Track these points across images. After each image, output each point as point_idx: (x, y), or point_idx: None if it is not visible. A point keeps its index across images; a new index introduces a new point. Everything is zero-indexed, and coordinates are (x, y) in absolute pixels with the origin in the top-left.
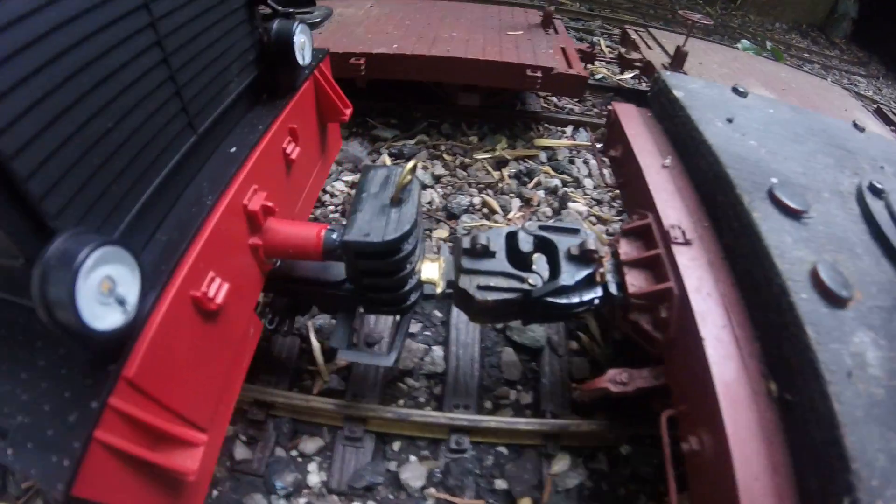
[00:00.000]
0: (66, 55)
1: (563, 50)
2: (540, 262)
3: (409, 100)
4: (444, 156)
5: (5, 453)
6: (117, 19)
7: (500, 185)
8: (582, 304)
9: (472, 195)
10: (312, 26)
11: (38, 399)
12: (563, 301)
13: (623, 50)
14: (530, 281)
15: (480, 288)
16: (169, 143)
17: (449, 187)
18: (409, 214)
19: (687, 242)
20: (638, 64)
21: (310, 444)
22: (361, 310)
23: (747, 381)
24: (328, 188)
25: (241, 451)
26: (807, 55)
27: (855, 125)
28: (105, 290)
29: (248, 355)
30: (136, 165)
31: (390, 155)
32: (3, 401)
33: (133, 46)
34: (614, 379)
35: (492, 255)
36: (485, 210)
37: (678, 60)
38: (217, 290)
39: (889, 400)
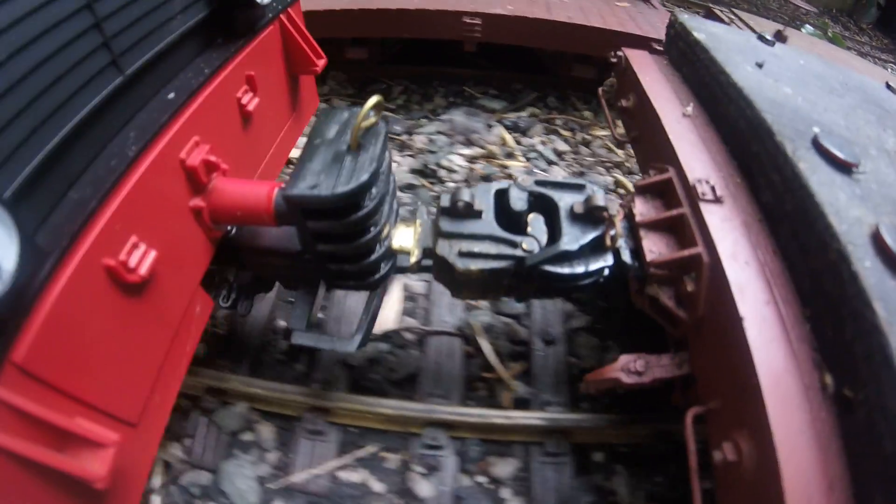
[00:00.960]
0: None
1: None
2: (537, 223)
3: (511, 68)
4: (561, 131)
5: None
6: None
7: (626, 164)
8: (588, 274)
9: (601, 174)
10: None
11: None
12: (566, 271)
13: None
14: (524, 245)
15: (462, 255)
16: (84, 83)
17: (575, 165)
18: (368, 162)
19: (717, 200)
20: None
21: (503, 467)
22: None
23: (797, 372)
24: (444, 163)
25: (422, 487)
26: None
27: (888, 86)
28: None
29: (195, 335)
30: (37, 109)
31: (506, 128)
32: None
33: None
34: (627, 367)
35: (477, 215)
36: (620, 191)
37: None
38: (141, 258)
39: None
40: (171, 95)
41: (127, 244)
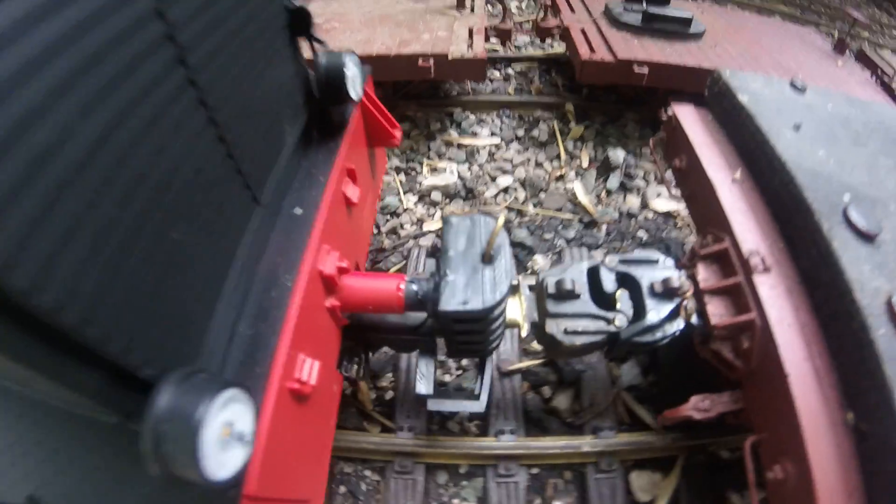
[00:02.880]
0: (112, 167)
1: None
2: (623, 297)
3: None
4: None
5: None
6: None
7: None
8: (665, 337)
9: None
10: (693, 37)
11: None
12: (649, 339)
13: None
14: (616, 322)
15: (568, 333)
16: (234, 223)
17: None
18: (504, 273)
19: (766, 270)
20: None
21: None
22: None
23: (827, 411)
24: None
25: None
26: None
27: None
28: (226, 435)
29: (335, 411)
30: (210, 264)
31: None
32: None
33: (179, 117)
34: (697, 406)
35: (576, 296)
36: None
37: None
38: (310, 371)
39: None
40: (298, 210)
41: (298, 363)
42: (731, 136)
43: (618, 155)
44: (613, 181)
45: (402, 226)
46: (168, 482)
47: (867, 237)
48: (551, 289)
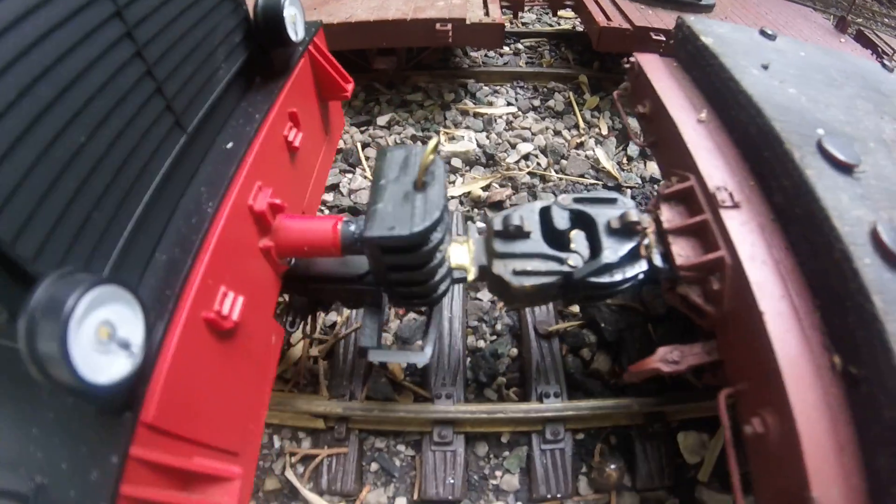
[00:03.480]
0: (22, 59)
1: None
2: (578, 238)
3: None
4: None
5: None
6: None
7: None
8: (626, 280)
9: None
10: (704, 8)
11: (53, 457)
12: (607, 280)
13: None
14: (570, 262)
15: (517, 273)
16: (156, 148)
17: None
18: (436, 199)
19: (735, 205)
20: None
21: None
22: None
23: (810, 355)
24: None
25: None
26: None
27: (883, 65)
28: (104, 336)
29: (274, 364)
30: (122, 180)
31: None
32: (18, 461)
33: (100, 41)
34: (665, 358)
35: (526, 235)
36: None
37: None
38: (231, 305)
39: None
40: (230, 145)
41: (219, 295)
42: (696, 81)
43: (636, 124)
44: (634, 148)
45: None
46: (52, 391)
47: (845, 167)
48: (498, 226)
